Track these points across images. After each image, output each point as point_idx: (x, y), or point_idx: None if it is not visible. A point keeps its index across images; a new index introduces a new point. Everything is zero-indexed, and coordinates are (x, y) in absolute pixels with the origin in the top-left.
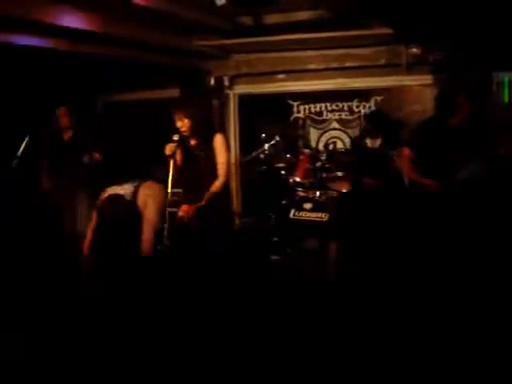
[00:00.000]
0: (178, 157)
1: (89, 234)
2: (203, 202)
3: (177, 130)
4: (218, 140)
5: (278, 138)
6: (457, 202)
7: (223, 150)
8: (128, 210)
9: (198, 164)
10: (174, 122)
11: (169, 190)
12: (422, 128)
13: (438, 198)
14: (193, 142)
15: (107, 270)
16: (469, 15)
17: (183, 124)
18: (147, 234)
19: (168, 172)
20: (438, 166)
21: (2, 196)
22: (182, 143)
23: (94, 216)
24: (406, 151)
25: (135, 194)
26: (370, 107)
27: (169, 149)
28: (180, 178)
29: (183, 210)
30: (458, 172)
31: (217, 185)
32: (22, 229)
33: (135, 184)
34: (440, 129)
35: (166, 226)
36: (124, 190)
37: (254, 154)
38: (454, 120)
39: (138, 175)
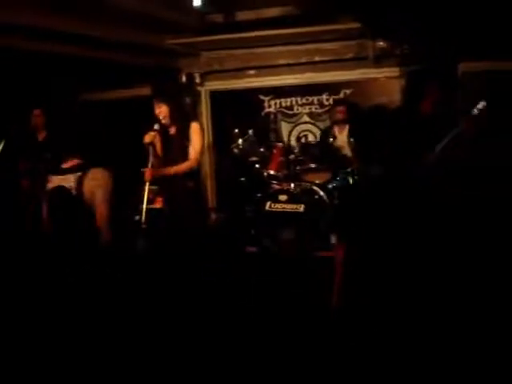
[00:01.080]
0: (158, 146)
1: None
2: (165, 171)
3: (156, 120)
4: (194, 127)
5: (250, 133)
6: (427, 187)
7: (198, 137)
8: (72, 202)
9: (176, 151)
10: (153, 110)
11: (146, 187)
12: (391, 117)
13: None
14: (172, 131)
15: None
16: (434, 7)
17: (161, 110)
18: (100, 223)
19: (147, 162)
20: (406, 153)
21: None
22: (163, 132)
23: (45, 208)
24: None
25: (80, 186)
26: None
27: (148, 137)
28: (159, 166)
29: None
30: (426, 159)
31: (186, 164)
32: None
33: (78, 175)
34: (409, 118)
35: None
36: (67, 181)
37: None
38: (423, 109)
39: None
